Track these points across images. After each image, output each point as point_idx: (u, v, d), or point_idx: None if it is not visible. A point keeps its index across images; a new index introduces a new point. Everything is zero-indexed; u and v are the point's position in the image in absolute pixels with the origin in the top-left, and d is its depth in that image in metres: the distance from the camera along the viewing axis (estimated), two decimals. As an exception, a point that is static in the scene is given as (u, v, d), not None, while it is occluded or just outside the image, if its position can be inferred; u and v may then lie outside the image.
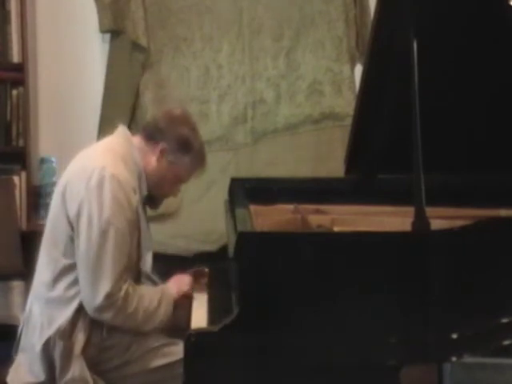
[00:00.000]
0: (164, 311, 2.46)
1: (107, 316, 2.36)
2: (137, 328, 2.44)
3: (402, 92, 2.33)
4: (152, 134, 2.55)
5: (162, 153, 2.52)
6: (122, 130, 2.57)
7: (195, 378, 2.16)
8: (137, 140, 2.55)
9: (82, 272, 2.37)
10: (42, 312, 2.44)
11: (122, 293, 2.35)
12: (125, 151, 2.50)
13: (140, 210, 2.48)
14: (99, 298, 2.32)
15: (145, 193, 2.53)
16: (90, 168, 2.40)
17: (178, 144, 2.52)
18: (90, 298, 2.35)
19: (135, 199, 2.43)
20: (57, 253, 2.43)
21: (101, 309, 2.34)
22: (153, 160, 2.53)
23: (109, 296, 2.33)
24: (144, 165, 2.52)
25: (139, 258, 2.48)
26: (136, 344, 2.45)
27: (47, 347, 2.39)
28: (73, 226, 2.39)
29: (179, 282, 2.59)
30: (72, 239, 2.40)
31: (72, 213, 2.39)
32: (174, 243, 3.80)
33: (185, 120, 2.60)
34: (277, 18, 3.94)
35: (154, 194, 2.59)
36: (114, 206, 2.35)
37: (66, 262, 2.41)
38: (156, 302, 2.44)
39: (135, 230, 2.44)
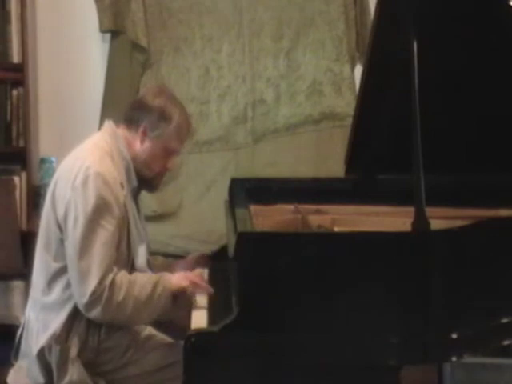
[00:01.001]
0: (158, 297, 2.37)
1: (97, 311, 2.31)
2: (130, 319, 2.38)
3: (402, 92, 2.33)
4: (131, 120, 2.51)
5: (144, 133, 2.48)
6: (107, 126, 2.55)
7: (195, 378, 2.15)
8: (122, 131, 2.52)
9: (70, 272, 2.35)
10: (37, 318, 2.43)
11: (107, 282, 2.30)
12: (111, 147, 2.47)
13: (129, 204, 2.45)
14: (86, 296, 2.29)
15: (134, 184, 2.51)
16: (75, 168, 2.39)
17: (157, 117, 2.48)
18: (79, 297, 2.32)
19: (122, 194, 2.42)
20: (48, 257, 2.42)
21: (89, 305, 2.30)
22: (137, 144, 2.49)
23: (95, 292, 2.29)
24: (131, 153, 2.49)
25: (130, 252, 2.44)
26: (134, 345, 2.44)
27: (43, 352, 2.38)
28: (62, 229, 2.38)
29: (181, 276, 2.49)
30: (62, 242, 2.39)
31: (60, 215, 2.38)
32: (173, 243, 3.80)
33: (157, 92, 2.56)
34: (277, 18, 3.95)
35: (149, 176, 2.54)
36: (99, 204, 2.34)
37: (56, 265, 2.40)
38: (150, 288, 2.36)
39: (124, 225, 2.42)
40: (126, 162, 2.48)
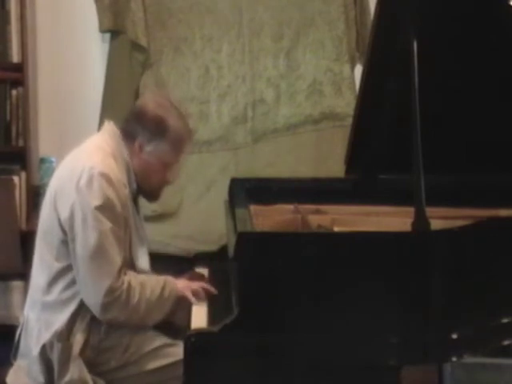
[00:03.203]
0: (166, 299, 2.42)
1: (114, 313, 2.34)
2: (140, 321, 2.41)
3: (402, 92, 2.33)
4: (127, 131, 2.50)
5: (141, 148, 2.48)
6: (107, 127, 2.54)
7: (195, 378, 2.16)
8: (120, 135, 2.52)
9: (82, 273, 2.35)
10: (38, 318, 2.43)
11: (125, 285, 2.34)
12: (113, 147, 2.47)
13: (130, 205, 2.46)
14: (101, 296, 2.31)
15: (134, 186, 2.51)
16: (78, 169, 2.39)
17: (151, 132, 2.46)
18: (92, 297, 2.34)
19: (125, 194, 2.42)
20: (50, 257, 2.42)
21: (106, 306, 2.33)
22: (134, 157, 2.49)
23: (111, 291, 2.32)
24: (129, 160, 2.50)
25: (131, 253, 2.45)
26: (135, 345, 2.44)
27: (45, 350, 2.38)
28: (64, 230, 2.38)
29: (185, 284, 2.53)
30: (64, 243, 2.39)
31: (64, 216, 2.38)
32: (174, 243, 3.80)
33: (155, 104, 2.52)
34: (277, 18, 3.94)
35: (148, 188, 2.55)
36: (106, 204, 2.34)
37: (59, 265, 2.40)
38: (159, 290, 2.41)
39: (127, 225, 2.43)
40: (126, 163, 2.49)
